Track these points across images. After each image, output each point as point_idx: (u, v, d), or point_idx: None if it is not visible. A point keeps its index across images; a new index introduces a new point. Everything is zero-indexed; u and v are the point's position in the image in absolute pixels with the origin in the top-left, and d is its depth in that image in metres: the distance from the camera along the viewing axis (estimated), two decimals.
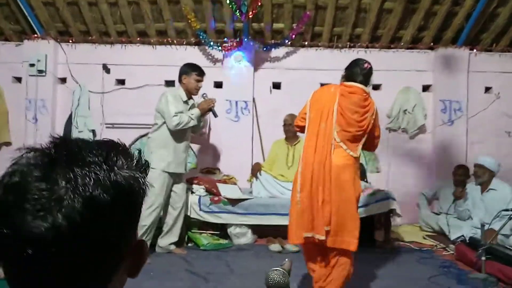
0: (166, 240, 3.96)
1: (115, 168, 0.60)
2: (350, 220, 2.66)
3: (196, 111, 3.81)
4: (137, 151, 0.68)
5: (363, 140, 2.80)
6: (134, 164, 0.64)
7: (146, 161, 0.68)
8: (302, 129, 2.92)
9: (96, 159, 0.59)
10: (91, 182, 0.56)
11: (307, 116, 2.83)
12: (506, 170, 5.38)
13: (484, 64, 5.47)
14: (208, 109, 3.91)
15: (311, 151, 2.72)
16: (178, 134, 3.80)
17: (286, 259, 1.23)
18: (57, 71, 5.45)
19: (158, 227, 3.92)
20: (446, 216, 4.60)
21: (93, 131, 5.36)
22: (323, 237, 2.60)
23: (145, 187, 0.65)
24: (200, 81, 3.88)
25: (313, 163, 2.68)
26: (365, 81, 2.82)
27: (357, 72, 2.81)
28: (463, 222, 4.50)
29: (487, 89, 5.54)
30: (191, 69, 3.87)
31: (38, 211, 0.53)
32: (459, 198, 4.54)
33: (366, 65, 2.83)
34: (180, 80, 3.91)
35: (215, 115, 4.04)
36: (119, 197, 0.58)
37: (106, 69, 5.40)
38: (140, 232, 3.71)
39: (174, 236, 3.98)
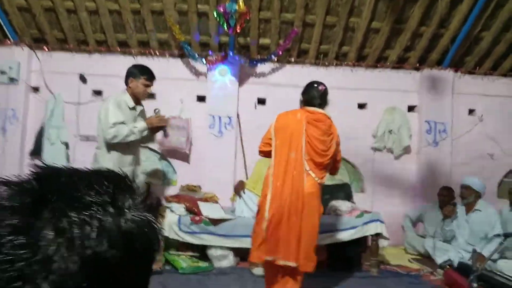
0: None
1: (125, 211, 0.44)
2: (314, 245, 2.85)
3: (141, 125, 3.35)
4: (136, 184, 0.51)
5: (329, 167, 2.93)
6: (140, 202, 0.48)
7: (157, 197, 0.52)
8: (266, 154, 2.97)
9: (100, 198, 0.42)
10: (93, 233, 0.39)
11: (273, 143, 2.86)
12: (488, 192, 5.38)
13: (468, 86, 5.50)
14: (156, 126, 3.50)
15: (281, 180, 2.77)
16: (121, 145, 3.34)
17: None
18: (30, 79, 5.16)
19: None
20: (433, 239, 4.51)
21: (66, 144, 5.06)
22: (294, 264, 2.73)
23: (160, 232, 0.50)
24: (148, 86, 3.44)
25: (284, 192, 2.75)
26: (324, 102, 2.95)
27: (315, 96, 2.93)
28: (449, 245, 4.41)
29: (471, 111, 5.55)
30: (139, 72, 3.42)
31: (12, 280, 0.35)
32: (448, 216, 4.46)
33: (321, 87, 2.95)
34: (126, 83, 3.47)
35: (166, 135, 3.73)
36: (131, 250, 0.42)
37: (82, 79, 5.14)
38: None
39: None
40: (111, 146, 3.36)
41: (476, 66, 5.49)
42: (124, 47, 5.17)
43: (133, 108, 3.47)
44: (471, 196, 4.32)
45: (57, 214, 0.38)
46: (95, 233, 0.40)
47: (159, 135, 3.93)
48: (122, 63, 5.17)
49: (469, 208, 4.35)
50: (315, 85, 2.98)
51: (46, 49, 5.15)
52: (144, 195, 0.50)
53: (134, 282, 0.45)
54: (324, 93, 2.96)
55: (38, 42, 5.16)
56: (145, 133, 3.43)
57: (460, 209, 4.44)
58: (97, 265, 0.39)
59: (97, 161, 3.47)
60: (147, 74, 3.46)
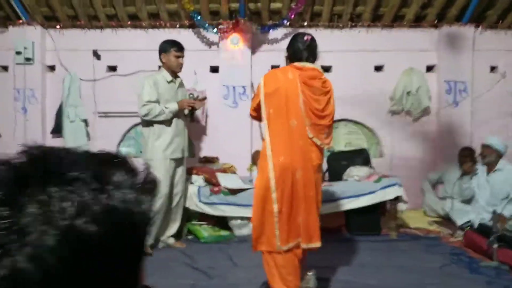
0: (165, 233, 3.81)
1: (109, 187, 0.43)
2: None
3: (173, 106, 3.61)
4: (144, 165, 0.53)
5: (332, 128, 2.62)
6: (137, 181, 0.48)
7: (154, 178, 0.52)
8: (257, 118, 2.62)
9: (82, 175, 0.42)
10: (72, 207, 0.39)
11: (265, 111, 2.45)
12: (511, 151, 5.27)
13: (489, 42, 5.28)
14: (187, 108, 3.70)
15: (285, 154, 2.40)
16: (166, 121, 3.63)
17: (310, 274, 1.04)
18: (45, 58, 5.21)
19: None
20: (452, 201, 4.48)
21: (85, 121, 5.15)
22: (319, 244, 2.51)
23: (152, 213, 0.48)
24: (180, 56, 3.66)
25: (293, 167, 2.40)
26: (312, 56, 2.53)
27: (300, 48, 2.50)
28: (469, 207, 4.38)
29: (493, 69, 5.36)
30: (169, 46, 3.66)
31: None
32: (468, 173, 4.41)
33: (306, 37, 2.53)
34: (160, 60, 3.72)
35: (191, 119, 3.88)
36: (114, 228, 0.42)
37: (96, 55, 5.16)
38: None
39: (172, 229, 3.84)
40: (146, 121, 3.64)
41: (499, 20, 5.24)
42: (134, 20, 5.13)
43: (171, 81, 3.70)
44: (491, 156, 4.23)
45: (39, 189, 0.40)
46: (75, 207, 0.40)
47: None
48: (134, 37, 5.18)
49: (490, 168, 4.28)
50: (299, 36, 2.55)
51: (58, 27, 5.16)
52: (141, 174, 0.49)
53: (120, 264, 0.44)
54: (311, 44, 2.52)
55: (49, 20, 5.16)
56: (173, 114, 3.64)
57: (481, 169, 4.37)
58: (77, 241, 0.39)
59: (143, 136, 3.75)
60: (176, 46, 3.67)
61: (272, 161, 2.41)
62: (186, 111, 3.74)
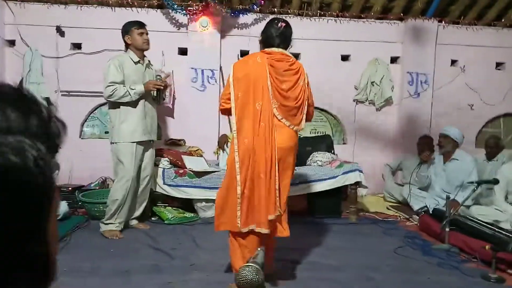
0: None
1: None
2: (285, 205, 2.53)
3: (139, 88, 3.54)
4: (47, 104, 0.44)
5: (305, 110, 2.55)
6: (34, 126, 0.40)
7: (59, 123, 0.43)
8: (228, 111, 2.54)
9: None
10: None
11: (233, 95, 2.44)
12: (467, 142, 5.52)
13: (451, 37, 5.48)
14: (153, 90, 3.62)
15: (249, 136, 2.40)
16: (133, 103, 3.55)
17: (259, 249, 1.09)
18: (4, 32, 4.97)
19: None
20: (410, 187, 4.67)
21: (47, 99, 4.98)
22: (267, 231, 2.43)
23: (48, 170, 0.40)
24: (143, 33, 3.61)
25: (253, 149, 2.40)
26: (284, 43, 2.52)
27: (273, 35, 2.50)
28: (425, 193, 4.58)
29: (453, 62, 5.58)
30: (129, 26, 3.62)
31: None
32: (425, 161, 4.60)
33: (280, 24, 2.52)
34: (125, 43, 3.64)
35: (158, 101, 3.78)
36: None
37: (60, 31, 4.98)
38: (112, 207, 3.55)
39: (138, 211, 3.82)
40: (113, 103, 3.56)
41: (461, 16, 5.45)
42: None
43: (138, 62, 3.64)
44: (448, 145, 4.42)
45: None
46: None
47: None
48: (100, 14, 5.03)
49: (447, 157, 4.47)
50: (274, 22, 2.53)
51: (19, 0, 4.94)
52: (43, 117, 0.42)
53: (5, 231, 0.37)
54: (285, 31, 2.52)
55: None
56: (139, 95, 3.56)
57: (438, 158, 4.56)
58: None
59: (110, 119, 3.66)
60: (137, 24, 3.63)
61: (237, 144, 2.43)
62: (153, 93, 3.69)
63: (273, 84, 2.45)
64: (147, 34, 3.65)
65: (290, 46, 2.57)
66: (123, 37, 3.62)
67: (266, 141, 2.41)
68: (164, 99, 3.92)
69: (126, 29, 3.61)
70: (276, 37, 2.50)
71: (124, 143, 3.54)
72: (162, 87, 3.68)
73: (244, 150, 2.42)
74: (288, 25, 2.55)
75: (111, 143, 3.61)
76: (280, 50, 2.51)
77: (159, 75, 3.83)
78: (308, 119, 2.66)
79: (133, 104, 3.57)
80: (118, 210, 3.57)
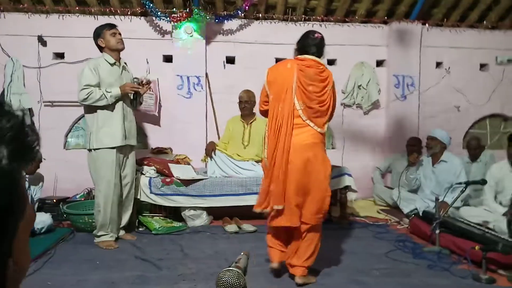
0: None
1: None
2: (319, 197, 2.67)
3: (115, 90, 3.44)
4: (22, 112, 0.43)
5: (329, 114, 2.77)
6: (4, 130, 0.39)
7: (34, 134, 0.42)
8: (266, 113, 2.83)
9: None
10: None
11: (268, 97, 2.75)
12: (454, 143, 5.55)
13: (435, 39, 5.52)
14: (130, 92, 3.56)
15: (272, 136, 2.67)
16: (111, 106, 3.45)
17: (242, 253, 1.05)
18: None
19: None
20: (399, 190, 4.66)
21: (30, 110, 4.89)
22: (281, 206, 2.64)
23: (9, 182, 0.39)
24: (115, 33, 3.53)
25: (275, 148, 2.64)
26: (318, 52, 2.73)
27: (309, 44, 2.73)
28: (415, 195, 4.57)
29: (438, 64, 5.61)
30: (100, 29, 3.53)
31: None
32: (413, 164, 4.59)
33: (316, 35, 2.75)
34: (100, 48, 3.55)
35: (134, 106, 3.70)
36: None
37: (41, 41, 4.91)
38: (99, 218, 3.47)
39: (123, 220, 3.72)
40: (90, 108, 3.46)
41: (444, 18, 5.49)
42: (82, 5, 4.92)
43: (114, 64, 3.55)
44: (436, 147, 4.42)
45: None
46: None
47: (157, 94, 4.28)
48: (82, 23, 4.97)
49: (435, 159, 4.48)
50: (310, 34, 2.77)
51: None
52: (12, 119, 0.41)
53: None
54: (320, 42, 2.74)
55: None
56: (115, 99, 3.48)
57: (426, 160, 4.57)
58: None
59: (86, 124, 3.56)
60: (106, 26, 3.56)
61: (268, 141, 2.71)
62: (131, 96, 3.61)
63: (300, 87, 2.64)
64: (120, 34, 3.57)
65: (323, 56, 2.78)
66: (96, 41, 3.53)
67: (280, 140, 2.62)
68: (141, 103, 3.83)
69: (98, 32, 3.54)
70: (312, 46, 2.72)
71: (104, 150, 3.44)
72: (139, 90, 3.60)
73: (270, 148, 2.69)
74: (323, 37, 2.78)
75: (89, 150, 3.50)
76: (313, 57, 2.70)
77: (137, 78, 3.74)
78: (330, 117, 2.92)
79: (112, 107, 3.47)
80: (108, 220, 3.47)
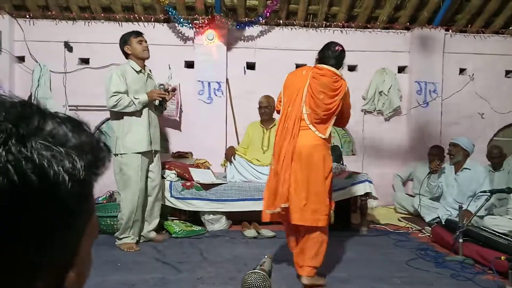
0: (146, 228, 3.75)
1: (31, 140, 0.38)
2: (316, 198, 2.71)
3: (143, 97, 3.52)
4: (99, 131, 0.48)
5: (332, 121, 2.84)
6: (84, 144, 0.43)
7: (106, 148, 0.46)
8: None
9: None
10: None
11: (282, 99, 2.90)
12: (478, 151, 5.43)
13: (459, 45, 5.44)
14: (157, 99, 3.64)
15: (278, 135, 2.84)
16: (137, 113, 3.53)
17: (266, 256, 1.05)
18: (14, 49, 5.06)
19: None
20: (420, 198, 4.58)
21: None
22: (278, 209, 2.73)
23: (86, 185, 0.42)
24: (142, 41, 3.60)
25: (280, 146, 2.78)
26: (337, 63, 2.83)
27: (329, 55, 2.82)
28: (437, 203, 4.49)
29: (462, 71, 5.52)
30: (127, 36, 3.60)
31: None
32: (435, 171, 4.49)
33: (337, 47, 2.83)
34: (126, 54, 3.62)
35: (161, 111, 3.80)
36: (25, 187, 0.37)
37: (68, 47, 5.05)
38: (123, 222, 3.53)
39: (153, 223, 3.78)
40: (116, 114, 3.53)
41: (468, 24, 5.41)
42: (108, 12, 5.04)
43: (140, 71, 3.62)
44: (459, 154, 4.34)
45: None
46: None
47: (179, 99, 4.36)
48: (107, 29, 5.09)
49: (458, 167, 4.39)
50: (332, 45, 2.86)
51: (28, 17, 5.02)
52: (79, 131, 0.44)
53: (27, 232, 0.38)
54: (340, 54, 2.83)
55: (18, 9, 5.02)
56: (143, 104, 3.56)
57: (449, 168, 4.48)
58: None
59: (112, 129, 3.63)
60: (134, 33, 3.63)
61: (275, 141, 2.88)
62: (156, 102, 3.68)
63: (310, 92, 2.74)
64: (146, 42, 3.64)
65: (341, 68, 2.87)
66: (123, 48, 3.60)
67: (286, 140, 2.75)
68: (165, 109, 3.91)
69: (125, 39, 3.60)
70: (331, 58, 2.80)
71: (130, 155, 3.51)
72: (166, 97, 3.67)
73: (276, 148, 2.85)
74: (343, 49, 2.86)
75: (115, 154, 3.58)
76: (330, 67, 2.77)
77: (162, 84, 3.80)
78: (342, 125, 3.25)
79: (138, 114, 3.54)
80: (131, 223, 3.54)
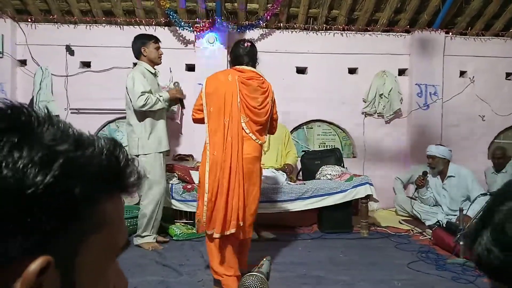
0: None
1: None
2: (255, 211, 2.76)
3: (165, 95, 3.63)
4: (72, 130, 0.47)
5: (268, 126, 2.82)
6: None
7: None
8: (199, 121, 2.79)
9: None
10: None
11: (205, 110, 2.68)
12: (480, 153, 5.45)
13: (459, 48, 5.45)
14: (177, 98, 3.74)
15: (218, 149, 2.61)
16: (157, 114, 3.62)
17: (264, 258, 1.05)
18: (16, 52, 5.08)
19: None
20: (411, 202, 4.57)
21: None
22: (233, 230, 2.60)
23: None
24: (159, 48, 3.71)
25: (224, 161, 2.60)
26: (252, 61, 2.77)
27: (240, 53, 2.76)
28: (436, 207, 4.47)
29: (462, 73, 5.53)
30: (146, 39, 3.69)
31: None
32: (420, 187, 4.45)
33: (246, 44, 2.78)
34: (139, 55, 3.68)
35: (183, 106, 3.92)
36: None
37: (69, 50, 5.07)
38: (144, 220, 3.59)
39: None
40: (140, 115, 3.57)
41: (468, 26, 5.42)
42: (109, 16, 5.07)
43: (155, 74, 3.74)
44: (439, 164, 4.30)
45: None
46: None
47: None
48: (109, 33, 5.11)
49: (443, 176, 4.36)
50: (240, 43, 2.79)
51: (30, 21, 5.05)
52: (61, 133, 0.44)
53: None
54: (251, 50, 2.76)
55: (20, 13, 5.04)
56: (168, 102, 3.68)
57: (434, 180, 4.40)
58: None
59: (134, 132, 3.63)
60: (153, 38, 3.72)
61: (209, 155, 2.64)
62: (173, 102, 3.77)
63: (243, 100, 2.65)
64: (161, 49, 3.74)
65: (257, 64, 2.82)
66: (138, 47, 3.66)
67: (233, 154, 2.59)
68: (180, 108, 3.99)
69: (144, 40, 3.68)
70: (244, 56, 2.74)
71: (153, 154, 3.59)
72: (183, 97, 3.80)
73: (213, 162, 2.62)
74: (253, 45, 2.82)
75: (137, 155, 3.59)
76: (250, 68, 2.74)
77: (177, 82, 3.90)
78: (272, 132, 3.01)
79: (158, 115, 3.63)
80: (153, 221, 3.62)
